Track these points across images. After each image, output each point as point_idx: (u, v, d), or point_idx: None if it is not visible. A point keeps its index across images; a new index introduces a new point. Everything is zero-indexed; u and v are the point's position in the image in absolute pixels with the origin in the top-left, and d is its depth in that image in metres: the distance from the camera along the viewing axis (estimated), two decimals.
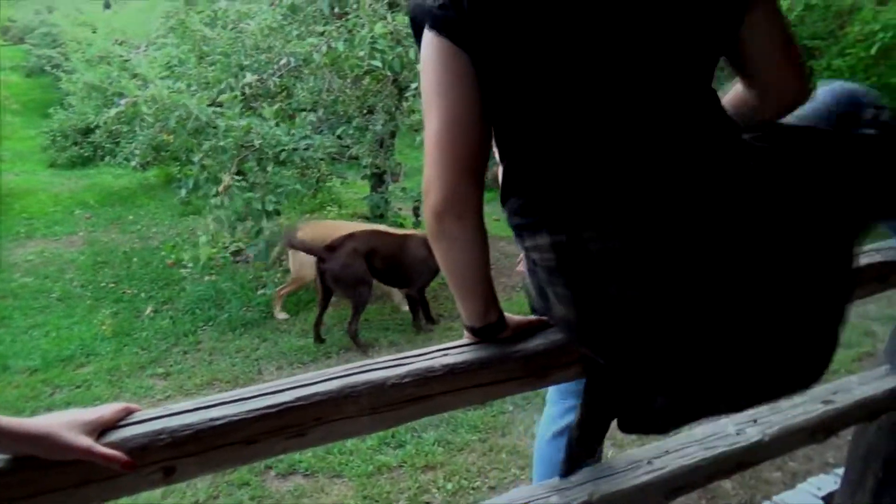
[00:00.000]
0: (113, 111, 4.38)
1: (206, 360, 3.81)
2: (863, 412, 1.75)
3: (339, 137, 4.73)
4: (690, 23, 0.96)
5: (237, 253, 5.63)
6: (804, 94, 1.10)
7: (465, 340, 1.14)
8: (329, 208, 7.24)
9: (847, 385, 1.78)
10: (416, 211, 5.35)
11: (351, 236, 3.97)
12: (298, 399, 0.97)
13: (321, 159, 4.47)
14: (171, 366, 3.75)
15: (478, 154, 0.98)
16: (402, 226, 5.50)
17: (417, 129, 5.23)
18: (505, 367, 1.12)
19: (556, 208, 0.99)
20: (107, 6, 16.72)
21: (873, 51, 5.61)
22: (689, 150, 0.97)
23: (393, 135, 5.41)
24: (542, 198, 1.01)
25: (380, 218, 5.53)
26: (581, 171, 0.98)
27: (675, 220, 0.94)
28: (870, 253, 1.55)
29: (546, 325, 1.17)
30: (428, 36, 0.97)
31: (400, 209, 5.81)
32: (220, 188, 4.12)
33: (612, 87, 0.95)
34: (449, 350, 1.11)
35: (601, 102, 0.96)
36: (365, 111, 5.24)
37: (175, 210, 7.63)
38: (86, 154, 10.65)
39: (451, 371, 1.07)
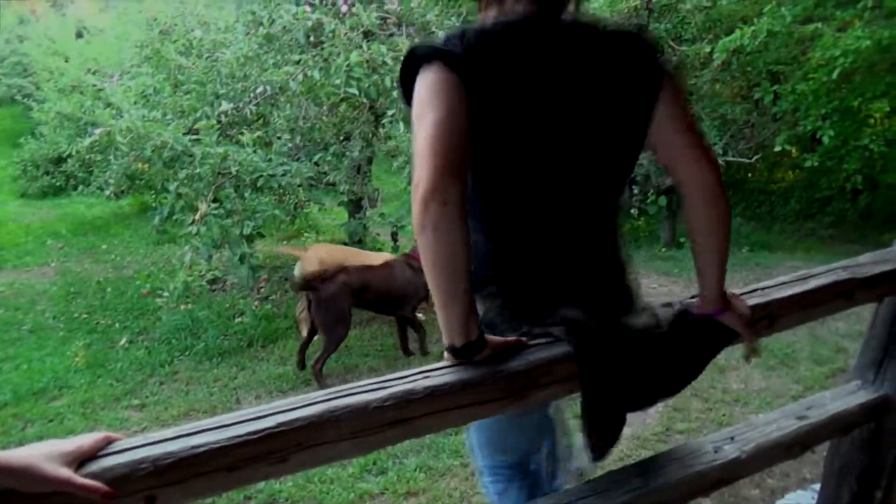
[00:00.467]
0: (87, 141, 4.35)
1: (183, 391, 3.75)
2: (837, 427, 1.78)
3: (317, 164, 4.75)
4: (611, 126, 1.24)
5: (214, 281, 5.59)
6: (718, 186, 1.31)
7: (445, 363, 1.15)
8: (307, 234, 7.23)
9: (820, 400, 1.81)
10: (395, 236, 5.36)
11: (344, 270, 3.96)
12: (280, 424, 0.97)
13: (299, 186, 4.48)
14: (146, 397, 3.68)
15: (461, 155, 1.10)
16: (380, 251, 5.51)
17: (395, 154, 5.28)
18: (486, 387, 1.13)
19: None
20: (79, 35, 16.61)
21: (834, 75, 5.79)
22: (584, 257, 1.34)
23: (370, 161, 5.44)
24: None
25: (358, 243, 5.54)
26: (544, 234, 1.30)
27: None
28: (836, 270, 1.60)
29: (524, 346, 1.19)
30: (431, 67, 1.12)
31: (378, 234, 5.83)
32: (197, 216, 4.10)
33: (551, 158, 1.24)
34: (430, 372, 1.12)
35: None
36: (342, 138, 5.28)
37: (150, 239, 7.56)
38: (58, 184, 10.54)
39: (432, 393, 1.08)
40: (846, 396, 1.85)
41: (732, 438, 1.64)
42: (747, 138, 7.94)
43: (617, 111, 1.24)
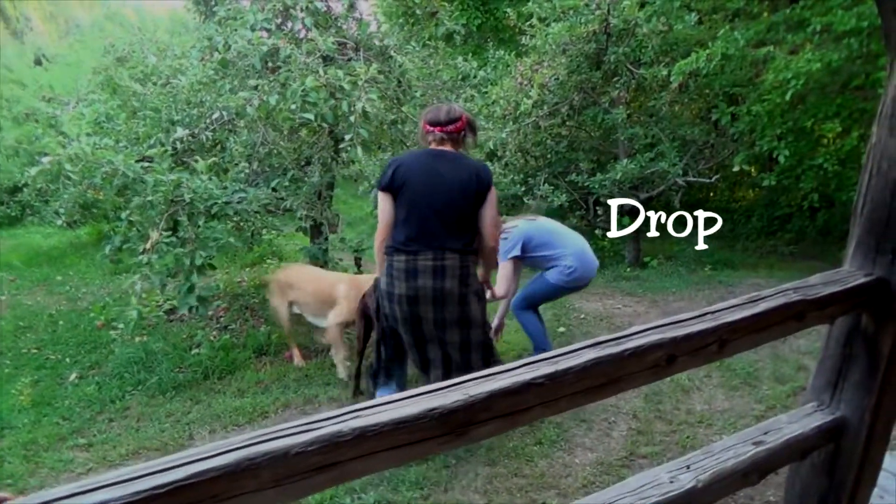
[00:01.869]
0: (34, 170, 4.20)
1: (134, 428, 3.59)
2: (794, 451, 1.75)
3: (274, 190, 4.66)
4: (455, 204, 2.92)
5: (172, 311, 5.42)
6: (495, 251, 3.14)
7: (379, 400, 1.09)
8: (269, 261, 7.11)
9: (776, 424, 1.78)
10: (358, 261, 5.28)
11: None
12: (191, 476, 0.90)
13: (255, 212, 4.38)
14: (94, 436, 3.51)
15: (389, 221, 3.01)
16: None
17: (357, 178, 5.23)
18: (421, 425, 1.07)
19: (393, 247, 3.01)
20: (38, 63, 16.32)
21: (787, 97, 5.92)
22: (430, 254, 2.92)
23: (331, 186, 5.37)
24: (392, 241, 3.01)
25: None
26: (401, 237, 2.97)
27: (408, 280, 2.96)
28: (786, 292, 1.58)
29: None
30: (380, 191, 3.02)
31: (341, 260, 5.74)
32: (148, 245, 3.98)
33: (419, 220, 2.94)
34: (361, 411, 1.05)
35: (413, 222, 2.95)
36: (303, 163, 5.21)
37: (106, 269, 7.34)
38: (13, 213, 10.27)
39: (363, 434, 1.02)
40: (803, 419, 1.83)
41: (688, 467, 1.60)
42: (707, 158, 8.07)
43: (457, 194, 2.91)
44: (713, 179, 7.73)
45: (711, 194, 11.18)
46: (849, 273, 1.74)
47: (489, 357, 3.08)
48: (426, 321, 2.98)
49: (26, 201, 8.32)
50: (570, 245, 3.88)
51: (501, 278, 3.85)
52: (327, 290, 4.15)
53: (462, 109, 3.12)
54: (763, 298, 1.54)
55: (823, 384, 1.89)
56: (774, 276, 7.12)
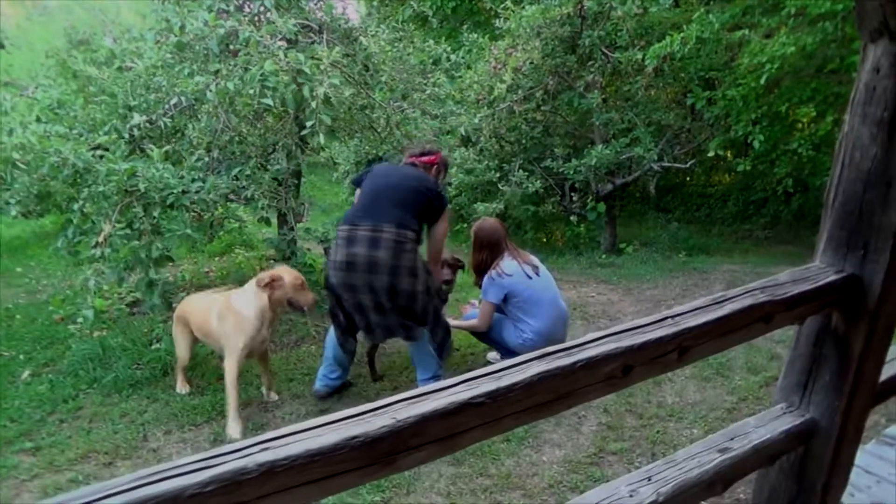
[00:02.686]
0: None
1: (85, 429, 3.43)
2: (762, 457, 1.67)
3: (236, 178, 4.48)
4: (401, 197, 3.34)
5: (134, 304, 5.25)
6: (440, 253, 3.61)
7: (293, 428, 0.96)
8: (237, 251, 6.93)
9: (744, 428, 1.70)
10: (328, 251, 5.13)
11: None
12: None
13: (215, 202, 4.21)
14: (42, 438, 3.35)
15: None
16: (312, 266, 5.27)
17: (327, 164, 5.07)
18: (341, 456, 0.95)
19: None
20: (0, 46, 15.78)
21: (762, 81, 5.85)
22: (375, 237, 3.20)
23: (297, 174, 5.20)
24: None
25: (288, 259, 5.28)
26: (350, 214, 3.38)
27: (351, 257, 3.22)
28: (753, 292, 1.48)
29: None
30: (354, 186, 3.66)
31: (309, 249, 5.58)
32: (101, 238, 3.80)
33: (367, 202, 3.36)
34: (269, 442, 0.93)
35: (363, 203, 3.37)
36: (269, 151, 5.03)
37: (69, 260, 7.10)
38: None
39: (271, 470, 0.89)
40: (771, 422, 1.74)
41: (650, 479, 1.50)
42: (683, 144, 8.01)
43: (406, 191, 3.32)
44: (689, 165, 7.68)
45: (688, 179, 11.15)
46: (819, 269, 1.65)
47: (432, 324, 3.44)
48: (361, 287, 3.24)
49: None
50: (543, 320, 3.72)
51: (483, 315, 3.79)
52: (206, 320, 3.53)
53: (441, 150, 3.75)
54: (728, 299, 1.43)
55: (793, 385, 1.80)
56: (749, 260, 7.11)
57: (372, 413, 1.00)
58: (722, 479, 1.57)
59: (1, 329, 5.13)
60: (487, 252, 3.76)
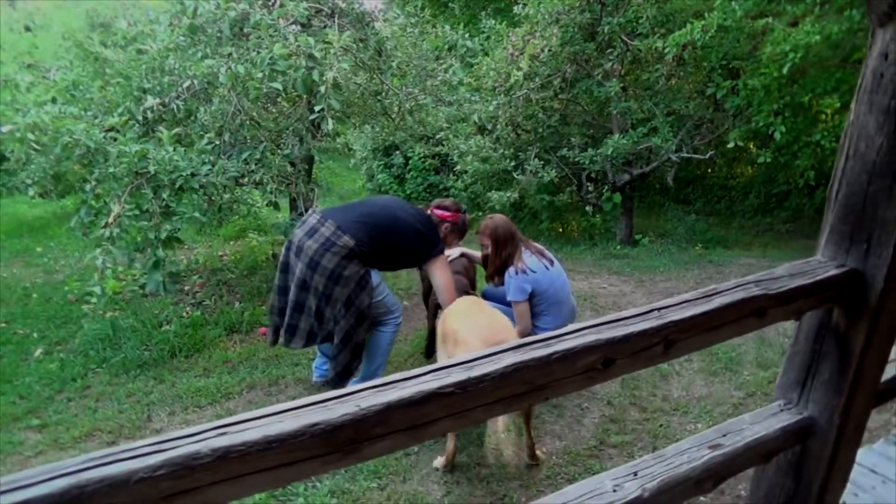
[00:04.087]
0: None
1: (91, 408, 3.48)
2: (754, 455, 1.62)
3: (246, 162, 4.49)
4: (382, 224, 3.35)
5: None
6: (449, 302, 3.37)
7: (252, 413, 0.94)
8: (251, 235, 6.96)
9: (738, 425, 1.65)
10: None
11: None
12: None
13: (224, 185, 4.22)
14: (49, 416, 3.40)
15: None
16: None
17: (342, 151, 5.05)
18: (300, 443, 0.93)
19: None
20: (27, 29, 15.97)
21: (785, 70, 5.70)
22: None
23: (308, 159, 5.19)
24: None
25: None
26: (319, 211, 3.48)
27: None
28: (747, 286, 1.43)
29: None
30: None
31: None
32: (110, 219, 3.83)
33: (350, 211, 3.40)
34: (227, 427, 0.91)
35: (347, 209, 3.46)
36: (282, 135, 5.03)
37: (88, 241, 7.20)
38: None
39: (225, 455, 0.88)
40: (767, 419, 1.69)
41: (636, 474, 1.47)
42: (703, 134, 7.86)
43: (385, 220, 3.31)
44: (707, 156, 7.53)
45: (709, 171, 10.96)
46: (819, 264, 1.59)
47: (339, 343, 3.26)
48: (291, 269, 3.28)
49: (12, 170, 8.13)
50: (559, 314, 3.57)
51: (519, 317, 3.51)
52: None
53: (465, 213, 3.79)
54: (719, 293, 1.39)
55: (791, 382, 1.75)
56: (768, 254, 6.99)
57: (335, 400, 0.98)
58: (712, 476, 1.53)
59: (17, 307, 5.22)
60: (509, 249, 3.52)
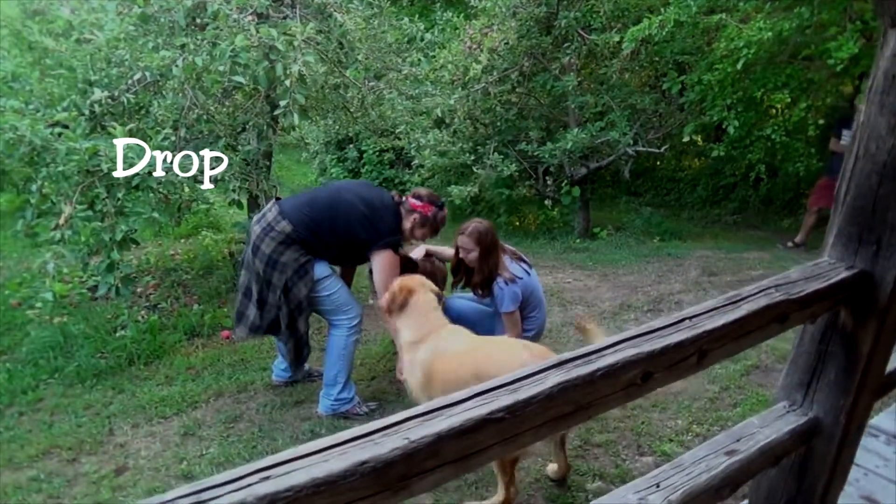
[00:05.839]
0: None
1: (46, 423, 3.27)
2: (768, 458, 1.62)
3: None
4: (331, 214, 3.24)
5: (96, 288, 5.03)
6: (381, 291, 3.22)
7: (293, 452, 0.86)
8: (204, 233, 6.71)
9: (748, 429, 1.64)
10: None
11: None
12: None
13: (182, 183, 4.02)
14: (0, 433, 3.18)
15: None
16: None
17: (297, 145, 4.89)
18: (350, 484, 0.85)
19: None
20: None
21: (739, 66, 5.82)
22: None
23: (268, 155, 5.02)
24: None
25: None
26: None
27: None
28: (768, 291, 1.41)
29: None
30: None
31: None
32: (61, 220, 3.60)
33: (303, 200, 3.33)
34: (270, 471, 0.82)
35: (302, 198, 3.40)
36: (238, 130, 4.84)
37: (26, 242, 6.79)
38: None
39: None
40: (775, 422, 1.69)
41: (658, 485, 1.43)
42: (656, 128, 7.99)
43: (342, 209, 3.21)
44: (662, 149, 7.66)
45: (658, 163, 11.18)
46: (829, 266, 1.59)
47: (286, 332, 3.26)
48: (247, 259, 3.27)
49: None
50: (541, 313, 3.52)
51: (513, 326, 3.40)
52: None
53: (441, 208, 3.44)
54: (743, 299, 1.36)
55: (795, 383, 1.75)
56: (721, 246, 7.15)
57: (381, 433, 0.90)
58: (730, 483, 1.51)
59: None
60: (495, 257, 3.36)
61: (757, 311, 1.34)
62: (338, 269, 3.46)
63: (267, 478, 0.81)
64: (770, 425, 1.67)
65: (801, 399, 1.74)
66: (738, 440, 1.60)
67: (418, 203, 3.36)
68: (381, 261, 3.21)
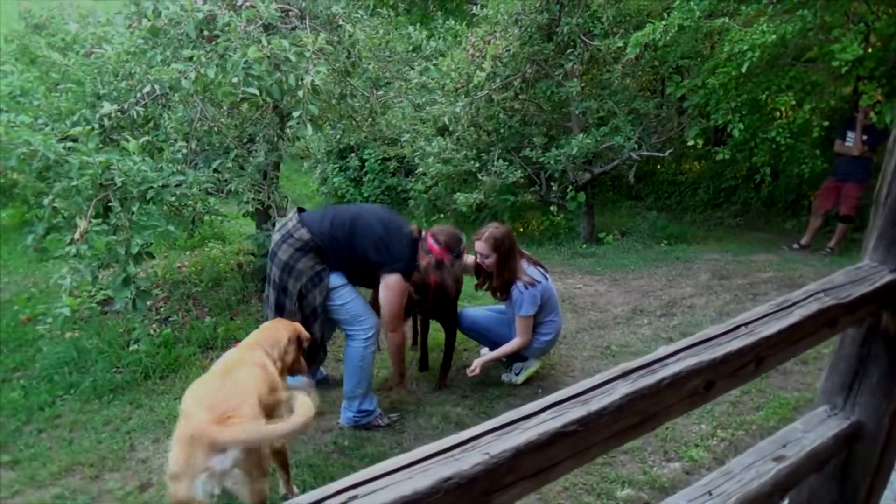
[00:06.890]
0: None
1: (66, 439, 3.25)
2: (814, 463, 1.61)
3: (216, 171, 4.29)
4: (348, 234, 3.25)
5: (106, 302, 5.01)
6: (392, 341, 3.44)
7: (376, 470, 0.85)
8: (211, 244, 6.70)
9: (793, 434, 1.64)
10: None
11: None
12: None
13: (196, 196, 4.01)
14: (20, 450, 3.15)
15: None
16: None
17: (303, 156, 4.89)
18: (436, 501, 0.84)
19: None
20: None
21: (744, 69, 5.84)
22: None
23: (277, 166, 5.01)
24: None
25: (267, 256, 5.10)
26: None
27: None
28: (817, 295, 1.40)
29: None
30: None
31: None
32: (76, 235, 3.58)
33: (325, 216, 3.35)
34: (356, 489, 0.81)
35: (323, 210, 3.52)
36: (246, 141, 4.84)
37: (31, 256, 6.77)
38: None
39: None
40: (818, 426, 1.69)
41: (710, 493, 1.43)
42: (658, 132, 8.01)
43: (357, 229, 3.21)
44: (666, 153, 7.68)
45: (659, 167, 11.21)
46: (872, 269, 1.59)
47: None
48: (269, 267, 3.32)
49: None
50: (558, 317, 3.55)
51: (526, 331, 3.44)
52: None
53: (458, 253, 3.36)
54: (795, 304, 1.36)
55: (836, 386, 1.75)
56: (727, 249, 7.16)
57: (460, 448, 0.89)
58: (779, 489, 1.51)
59: None
60: (514, 261, 3.38)
61: (810, 316, 1.34)
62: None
63: (354, 497, 0.80)
64: (814, 430, 1.67)
65: (841, 403, 1.74)
66: (783, 446, 1.60)
67: (436, 247, 3.31)
68: (389, 284, 3.20)
